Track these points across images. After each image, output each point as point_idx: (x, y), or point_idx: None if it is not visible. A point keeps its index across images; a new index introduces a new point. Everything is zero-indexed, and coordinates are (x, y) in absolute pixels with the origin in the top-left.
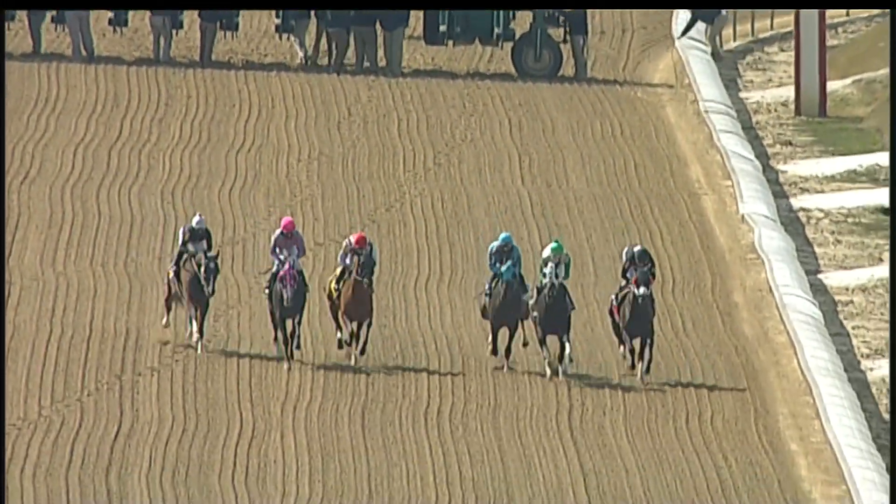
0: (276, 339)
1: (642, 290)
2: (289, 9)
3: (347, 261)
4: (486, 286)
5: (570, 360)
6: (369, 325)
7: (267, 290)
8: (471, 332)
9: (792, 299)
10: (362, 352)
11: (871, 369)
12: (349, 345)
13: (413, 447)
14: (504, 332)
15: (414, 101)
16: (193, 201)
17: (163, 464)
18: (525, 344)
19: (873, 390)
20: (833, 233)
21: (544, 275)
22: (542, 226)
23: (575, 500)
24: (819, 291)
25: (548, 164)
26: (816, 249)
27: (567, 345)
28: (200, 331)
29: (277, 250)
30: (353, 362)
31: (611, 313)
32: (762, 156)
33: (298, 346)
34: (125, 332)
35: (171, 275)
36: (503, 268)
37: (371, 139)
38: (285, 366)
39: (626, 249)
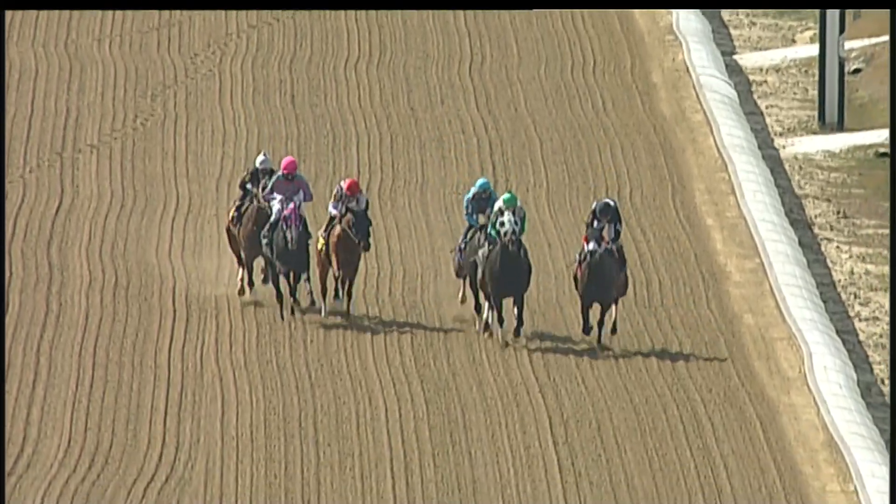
0: (278, 296)
1: (591, 245)
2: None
3: (337, 209)
4: (461, 240)
5: (518, 334)
6: (352, 282)
7: (265, 240)
8: (399, 111)
9: (708, 79)
10: (346, 308)
11: (784, 147)
12: (333, 300)
13: None
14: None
15: None
16: None
17: (102, 237)
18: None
19: (786, 167)
20: (748, 15)
21: (502, 223)
22: (468, 12)
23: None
24: (734, 72)
25: None
26: (732, 31)
27: (520, 327)
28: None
29: (275, 194)
30: (346, 311)
31: (574, 275)
32: None
33: (297, 302)
34: (65, 111)
35: (232, 220)
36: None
37: None
38: (285, 315)
39: (596, 202)
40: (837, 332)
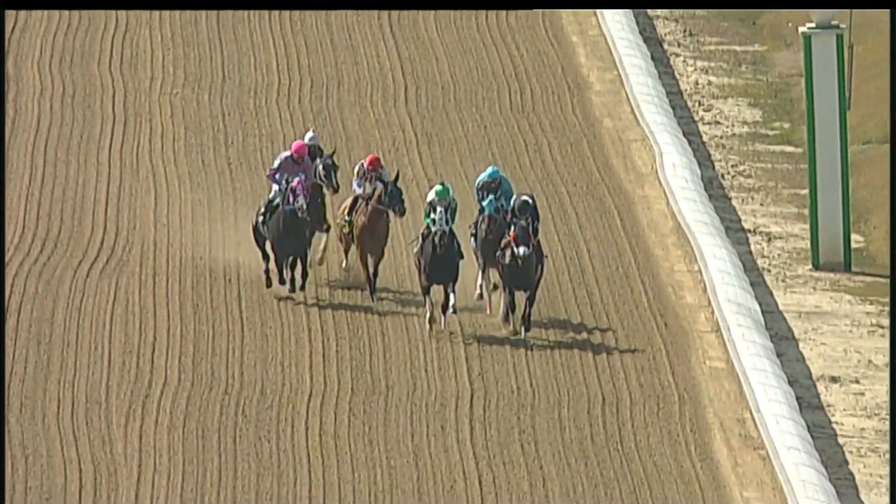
0: (270, 278)
1: (522, 250)
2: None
3: (361, 188)
4: (471, 225)
5: (454, 311)
6: (377, 263)
7: (261, 218)
8: None
9: None
10: (372, 292)
11: None
12: (373, 292)
13: (259, 39)
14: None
15: None
16: None
17: (52, 52)
18: (495, 288)
19: None
20: None
21: (433, 220)
22: None
23: (394, 83)
24: None
25: None
26: None
27: (452, 295)
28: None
29: (278, 175)
30: (373, 302)
31: (497, 266)
32: None
33: (304, 287)
34: None
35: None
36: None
37: None
38: (293, 292)
39: (514, 197)
40: (684, 133)
